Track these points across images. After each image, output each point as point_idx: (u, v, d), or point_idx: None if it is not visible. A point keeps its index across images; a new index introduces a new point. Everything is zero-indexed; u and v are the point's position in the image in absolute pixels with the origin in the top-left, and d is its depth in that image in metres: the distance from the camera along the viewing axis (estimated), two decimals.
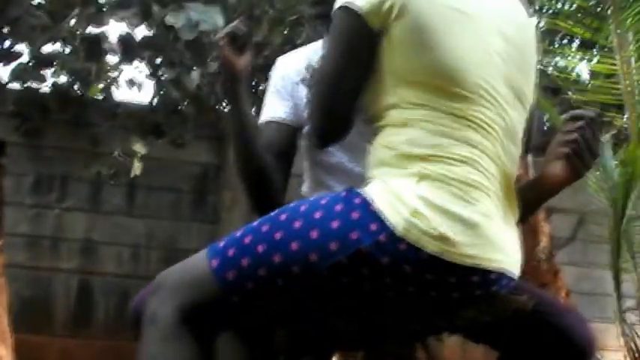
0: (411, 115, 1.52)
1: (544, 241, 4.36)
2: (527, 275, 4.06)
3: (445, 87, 1.51)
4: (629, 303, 4.15)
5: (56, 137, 5.17)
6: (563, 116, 1.65)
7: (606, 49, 4.45)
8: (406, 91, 1.53)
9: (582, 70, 6.09)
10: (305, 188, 2.07)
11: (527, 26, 1.71)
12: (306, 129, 1.88)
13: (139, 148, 4.20)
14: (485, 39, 1.57)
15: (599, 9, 4.40)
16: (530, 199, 1.66)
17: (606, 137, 4.55)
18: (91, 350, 4.96)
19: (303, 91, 2.04)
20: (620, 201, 3.80)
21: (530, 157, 3.90)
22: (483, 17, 1.59)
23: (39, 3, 3.36)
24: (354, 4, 1.54)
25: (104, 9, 3.38)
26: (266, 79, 5.24)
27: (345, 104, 1.60)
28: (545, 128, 6.73)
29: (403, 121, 1.53)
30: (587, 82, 5.19)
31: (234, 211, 5.12)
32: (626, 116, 4.31)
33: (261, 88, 5.05)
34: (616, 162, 4.15)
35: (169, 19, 2.99)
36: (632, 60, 4.21)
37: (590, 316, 5.17)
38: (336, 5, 1.59)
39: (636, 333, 3.99)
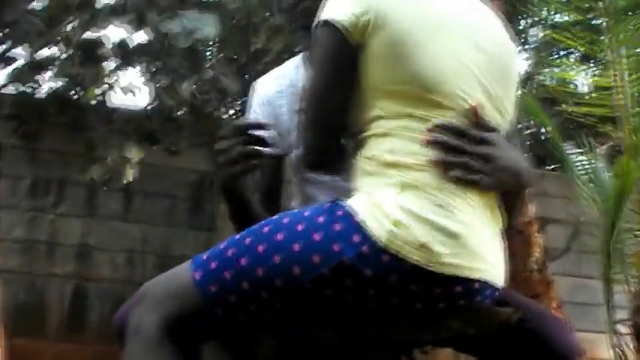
0: (392, 125, 1.53)
1: (537, 252, 4.37)
2: (519, 286, 4.11)
3: (424, 96, 1.52)
4: (621, 314, 4.15)
5: (53, 141, 5.15)
6: None
7: (601, 63, 4.47)
8: (387, 102, 1.54)
9: (580, 82, 6.12)
10: (294, 203, 2.08)
11: (506, 42, 1.72)
12: (295, 153, 1.88)
13: (134, 154, 4.21)
14: (462, 51, 1.58)
15: (594, 22, 4.42)
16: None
17: (601, 150, 4.56)
18: (85, 355, 4.94)
19: (284, 107, 2.05)
20: (612, 213, 3.81)
21: None
22: (461, 30, 1.60)
23: (35, 9, 3.36)
24: (334, 20, 1.56)
25: (99, 15, 3.38)
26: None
27: (335, 122, 1.60)
28: (543, 138, 6.76)
29: (385, 132, 1.53)
30: (584, 94, 5.21)
31: (229, 219, 5.11)
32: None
33: None
34: (609, 174, 4.16)
35: (164, 26, 2.99)
36: (626, 74, 4.23)
37: (583, 326, 5.19)
38: (316, 21, 1.60)
39: (627, 344, 3.99)
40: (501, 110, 1.64)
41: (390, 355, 1.91)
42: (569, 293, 5.48)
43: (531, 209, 4.28)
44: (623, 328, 4.09)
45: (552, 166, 6.80)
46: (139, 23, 3.28)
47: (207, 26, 3.08)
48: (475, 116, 1.56)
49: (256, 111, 2.08)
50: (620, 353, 4.00)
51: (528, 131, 7.02)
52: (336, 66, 1.58)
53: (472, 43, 1.60)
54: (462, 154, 1.52)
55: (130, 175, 4.22)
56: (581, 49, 4.82)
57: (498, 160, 1.55)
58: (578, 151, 4.47)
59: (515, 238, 4.22)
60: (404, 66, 1.52)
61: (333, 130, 1.62)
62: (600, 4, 4.18)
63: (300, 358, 1.83)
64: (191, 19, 3.07)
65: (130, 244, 5.32)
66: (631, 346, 4.01)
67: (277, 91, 2.07)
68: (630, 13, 4.24)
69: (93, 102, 4.60)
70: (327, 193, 1.96)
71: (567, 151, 4.45)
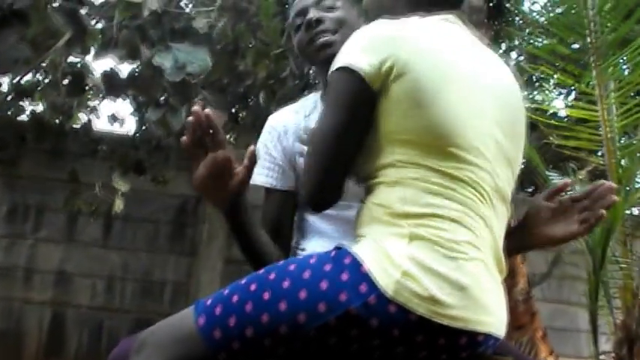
0: (404, 174, 1.52)
1: (521, 282, 4.38)
2: None
3: (439, 146, 1.51)
4: (605, 342, 4.18)
5: (32, 166, 5.09)
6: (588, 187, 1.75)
7: (586, 94, 4.50)
8: (401, 149, 1.53)
9: (560, 106, 6.18)
10: (302, 240, 2.07)
11: (519, 97, 1.73)
12: (300, 194, 1.85)
13: (121, 185, 4.17)
14: (479, 102, 1.58)
15: (580, 55, 4.45)
16: (511, 248, 1.69)
17: (581, 174, 4.59)
18: None
19: (290, 139, 2.04)
20: (598, 246, 3.82)
21: None
22: (479, 81, 1.60)
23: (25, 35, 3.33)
24: (356, 67, 1.54)
25: (91, 50, 3.37)
26: (246, 107, 5.20)
27: (343, 165, 1.59)
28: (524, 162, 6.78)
29: (396, 180, 1.52)
30: (564, 120, 5.25)
31: (211, 245, 5.10)
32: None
33: (241, 115, 5.06)
34: None
35: (156, 61, 2.97)
36: (614, 107, 4.26)
37: (563, 352, 5.19)
38: (336, 65, 1.58)
39: None
40: (511, 162, 1.65)
41: None
42: (550, 318, 5.52)
43: None
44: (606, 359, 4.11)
45: (531, 190, 6.85)
46: (131, 56, 3.25)
47: (198, 60, 3.06)
48: None
49: (266, 145, 2.07)
50: None
51: None
52: (352, 112, 1.56)
53: (490, 94, 1.60)
54: None
55: (120, 205, 4.19)
56: (568, 82, 4.85)
57: None
58: (560, 179, 4.48)
59: None
60: (422, 113, 1.51)
61: (341, 174, 1.61)
62: (588, 38, 4.21)
63: None
64: (184, 53, 3.05)
65: (109, 270, 5.26)
66: None
67: (289, 127, 2.06)
68: (617, 49, 4.27)
69: (76, 126, 4.55)
70: (334, 226, 1.96)
71: (550, 178, 4.46)
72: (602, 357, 4.01)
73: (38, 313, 5.12)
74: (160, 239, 5.38)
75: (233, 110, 5.84)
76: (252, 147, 1.75)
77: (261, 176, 2.01)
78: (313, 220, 2.01)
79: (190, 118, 1.64)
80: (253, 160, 1.73)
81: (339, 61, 1.58)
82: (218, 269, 5.08)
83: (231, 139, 5.66)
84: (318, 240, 1.98)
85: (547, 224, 1.77)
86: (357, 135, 1.58)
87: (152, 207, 5.31)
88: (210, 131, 1.64)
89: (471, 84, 1.58)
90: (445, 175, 1.51)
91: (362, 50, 1.56)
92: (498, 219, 1.59)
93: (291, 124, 2.05)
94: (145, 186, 4.86)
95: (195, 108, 1.62)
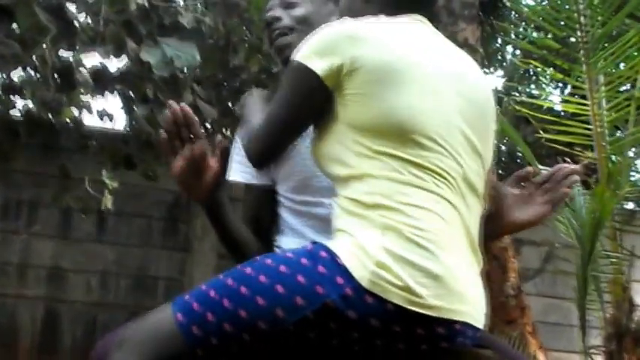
0: (371, 165, 1.54)
1: (512, 277, 4.40)
2: (495, 311, 4.13)
3: (401, 135, 1.53)
4: (595, 337, 4.19)
5: (26, 162, 5.08)
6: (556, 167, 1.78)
7: (578, 89, 4.50)
8: (365, 140, 1.55)
9: (554, 101, 6.18)
10: (281, 237, 2.08)
11: (486, 91, 1.75)
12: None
13: (111, 180, 4.18)
14: (442, 94, 1.60)
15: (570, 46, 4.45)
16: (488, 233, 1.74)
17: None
18: None
19: None
20: (588, 240, 3.83)
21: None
22: (442, 77, 1.62)
23: (14, 30, 3.33)
24: (308, 65, 1.58)
25: (78, 45, 3.36)
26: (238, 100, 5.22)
27: (282, 148, 1.68)
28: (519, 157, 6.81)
29: (364, 172, 1.54)
30: (558, 115, 5.25)
31: (205, 240, 5.10)
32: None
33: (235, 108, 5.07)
34: (585, 197, 4.19)
35: (144, 56, 2.98)
36: (604, 102, 4.27)
37: (556, 346, 5.20)
38: (296, 57, 1.62)
39: None
40: (480, 153, 1.66)
41: None
42: (543, 313, 5.53)
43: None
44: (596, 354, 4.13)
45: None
46: (118, 52, 3.26)
47: (187, 55, 3.07)
48: None
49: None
50: None
51: (503, 148, 7.09)
52: (302, 102, 1.62)
53: (453, 88, 1.62)
54: None
55: (109, 201, 4.19)
56: (558, 76, 4.86)
57: None
58: None
59: (491, 264, 4.26)
60: (380, 104, 1.54)
61: (286, 144, 1.69)
62: (578, 32, 4.22)
63: None
64: (171, 48, 3.05)
65: (103, 265, 5.27)
66: None
67: None
68: (607, 43, 4.28)
69: (67, 121, 4.54)
70: (305, 223, 1.97)
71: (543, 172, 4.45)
72: (591, 351, 4.02)
73: (32, 309, 5.11)
74: (154, 235, 5.38)
75: (230, 104, 5.86)
76: (219, 138, 1.78)
77: (238, 172, 2.02)
78: (286, 216, 2.02)
79: (167, 112, 1.68)
80: (225, 153, 1.78)
81: (297, 55, 1.61)
82: (212, 264, 5.08)
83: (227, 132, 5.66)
84: (290, 237, 1.99)
85: (513, 210, 1.80)
86: (304, 124, 1.66)
87: (145, 202, 5.31)
88: (188, 126, 1.68)
89: (433, 78, 1.60)
90: (412, 164, 1.53)
91: (315, 51, 1.61)
92: (469, 209, 1.60)
93: None
94: (137, 181, 4.85)
95: (171, 102, 1.68)
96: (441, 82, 1.61)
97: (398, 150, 1.53)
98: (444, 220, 1.52)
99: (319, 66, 1.57)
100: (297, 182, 1.89)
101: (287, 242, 1.96)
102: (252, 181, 2.02)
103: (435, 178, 1.53)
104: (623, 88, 4.59)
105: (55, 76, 3.55)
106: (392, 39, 1.60)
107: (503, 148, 7.11)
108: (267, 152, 1.68)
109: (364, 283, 1.42)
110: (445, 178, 1.55)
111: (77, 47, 3.41)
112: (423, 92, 1.57)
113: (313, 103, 1.62)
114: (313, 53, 1.59)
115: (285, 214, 2.03)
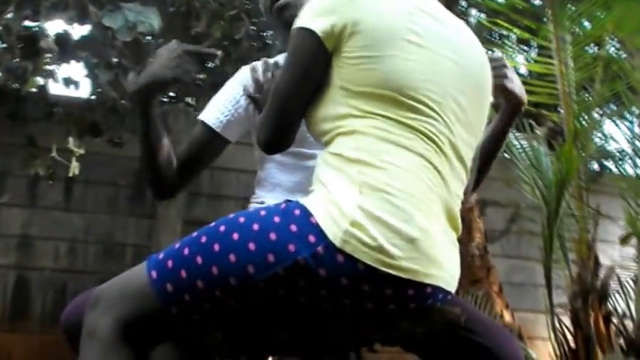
0: (361, 123, 1.54)
1: (478, 238, 4.45)
2: (461, 271, 4.17)
3: (395, 97, 1.54)
4: (561, 296, 4.24)
5: None
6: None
7: (544, 49, 4.51)
8: (357, 101, 1.55)
9: (520, 66, 6.20)
10: (260, 192, 2.09)
11: (482, 60, 1.75)
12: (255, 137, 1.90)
13: (77, 147, 4.15)
14: (436, 59, 1.60)
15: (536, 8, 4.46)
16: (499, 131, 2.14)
17: (541, 130, 4.63)
18: (29, 345, 4.88)
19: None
20: (553, 200, 3.86)
21: None
22: (439, 43, 1.63)
23: None
24: (310, 27, 1.58)
25: (41, 11, 3.31)
26: (205, 69, 5.19)
27: (296, 115, 1.65)
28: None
29: (353, 129, 1.55)
30: (524, 78, 5.28)
31: (170, 207, 5.10)
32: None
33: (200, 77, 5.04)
34: (550, 159, 4.22)
35: (107, 21, 2.94)
36: (570, 61, 4.28)
37: (522, 306, 5.28)
38: (295, 25, 1.62)
39: (565, 325, 4.09)
40: (472, 122, 1.67)
41: (340, 353, 1.94)
42: (508, 274, 5.60)
43: (472, 195, 4.34)
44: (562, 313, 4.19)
45: None
46: (81, 18, 3.22)
47: (149, 19, 3.04)
48: None
49: (229, 90, 2.09)
50: (561, 336, 4.09)
51: None
52: (307, 68, 1.61)
53: (448, 56, 1.63)
54: None
55: (76, 168, 4.16)
56: (524, 36, 4.86)
57: None
58: (518, 134, 4.51)
59: None
60: (376, 67, 1.54)
61: (294, 123, 1.66)
62: None
63: (251, 349, 1.84)
64: (134, 13, 3.02)
65: (71, 233, 5.25)
66: (571, 328, 4.11)
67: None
68: (573, 2, 4.28)
69: (33, 90, 4.49)
70: (292, 176, 1.99)
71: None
72: (557, 310, 4.08)
73: (2, 277, 5.09)
74: (121, 202, 5.37)
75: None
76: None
77: (209, 115, 2.03)
78: (271, 171, 2.03)
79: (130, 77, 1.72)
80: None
81: (298, 22, 1.61)
82: (177, 230, 5.08)
83: (192, 101, 5.63)
84: (274, 192, 2.01)
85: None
86: (311, 90, 1.62)
87: (112, 170, 5.29)
88: None
89: (431, 45, 1.61)
90: (402, 125, 1.53)
91: (317, 13, 1.60)
92: (455, 177, 1.61)
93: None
94: (104, 149, 4.84)
95: None
96: (439, 49, 1.62)
97: (390, 112, 1.53)
98: (426, 185, 1.52)
99: (319, 26, 1.57)
100: None
101: (271, 198, 1.98)
102: (217, 129, 2.03)
103: (424, 141, 1.54)
104: (590, 51, 4.62)
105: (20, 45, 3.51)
106: (391, 3, 1.61)
107: None
108: (280, 134, 1.66)
109: (337, 242, 1.43)
110: (435, 143, 1.55)
111: (41, 14, 3.36)
112: (420, 58, 1.58)
113: (317, 68, 1.60)
114: (313, 15, 1.60)
115: (272, 170, 2.04)
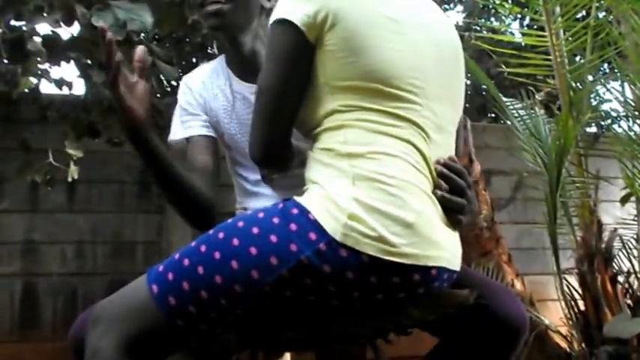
0: (348, 117, 1.54)
1: (485, 209, 4.45)
2: (471, 245, 4.19)
3: (380, 89, 1.54)
4: (568, 260, 4.29)
5: None
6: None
7: (536, 21, 4.53)
8: (342, 96, 1.55)
9: (515, 33, 6.19)
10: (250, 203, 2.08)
11: (456, 41, 1.76)
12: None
13: (74, 151, 4.12)
14: (417, 46, 1.60)
15: None
16: None
17: (539, 96, 4.65)
18: (42, 354, 4.81)
19: (218, 102, 2.04)
20: (554, 167, 3.89)
21: (469, 123, 3.97)
22: (416, 28, 1.62)
23: None
24: (291, 18, 1.55)
25: (25, 15, 3.27)
26: (206, 56, 5.11)
27: (288, 118, 1.62)
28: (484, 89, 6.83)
29: (340, 124, 1.55)
30: (519, 47, 5.27)
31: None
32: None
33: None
34: (549, 126, 4.26)
35: (96, 21, 2.91)
36: (561, 32, 4.32)
37: (531, 270, 5.29)
38: (273, 19, 1.60)
39: (574, 288, 4.14)
40: (454, 102, 1.67)
41: (355, 344, 1.94)
42: (517, 240, 5.62)
43: (478, 168, 4.35)
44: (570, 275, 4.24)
45: (493, 115, 6.90)
46: (68, 19, 3.18)
47: (140, 17, 3.01)
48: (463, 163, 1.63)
49: (184, 105, 2.07)
50: (570, 299, 4.14)
51: (468, 82, 7.12)
52: (292, 63, 1.59)
53: (426, 40, 1.62)
54: (461, 196, 1.60)
55: (75, 172, 4.12)
56: (515, 10, 4.88)
57: (473, 205, 1.65)
58: (517, 104, 4.56)
59: None
60: (359, 60, 1.54)
61: (285, 126, 1.63)
62: None
63: (266, 346, 1.84)
64: (124, 10, 2.99)
65: (77, 235, 5.17)
66: (579, 290, 4.16)
67: (202, 84, 2.06)
68: None
69: (26, 91, 4.45)
70: (273, 190, 1.98)
71: (507, 104, 4.52)
72: (565, 273, 4.13)
73: (9, 286, 5.01)
74: (127, 199, 5.29)
75: (194, 60, 5.79)
76: (141, 48, 1.78)
77: (188, 128, 2.02)
78: (251, 185, 2.02)
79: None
80: (143, 62, 1.76)
81: (275, 15, 1.59)
82: (188, 225, 5.03)
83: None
84: (258, 200, 2.00)
85: None
86: (298, 87, 1.60)
87: (115, 168, 5.21)
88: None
89: (408, 29, 1.60)
90: (389, 115, 1.54)
91: (296, 3, 1.57)
92: (441, 154, 1.63)
93: (212, 88, 2.06)
94: (105, 147, 4.76)
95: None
96: (416, 34, 1.62)
97: (376, 103, 1.54)
98: (416, 169, 1.54)
99: (298, 15, 1.55)
100: None
101: (255, 205, 1.97)
102: (208, 134, 2.02)
103: (411, 128, 1.55)
104: (580, 15, 4.63)
105: (7, 47, 3.47)
106: None
107: (468, 82, 7.14)
108: (273, 146, 1.62)
109: (338, 237, 1.44)
110: (421, 128, 1.56)
111: (25, 17, 3.31)
112: (401, 46, 1.57)
113: (301, 61, 1.58)
114: (294, 3, 1.58)
115: (250, 182, 2.03)
